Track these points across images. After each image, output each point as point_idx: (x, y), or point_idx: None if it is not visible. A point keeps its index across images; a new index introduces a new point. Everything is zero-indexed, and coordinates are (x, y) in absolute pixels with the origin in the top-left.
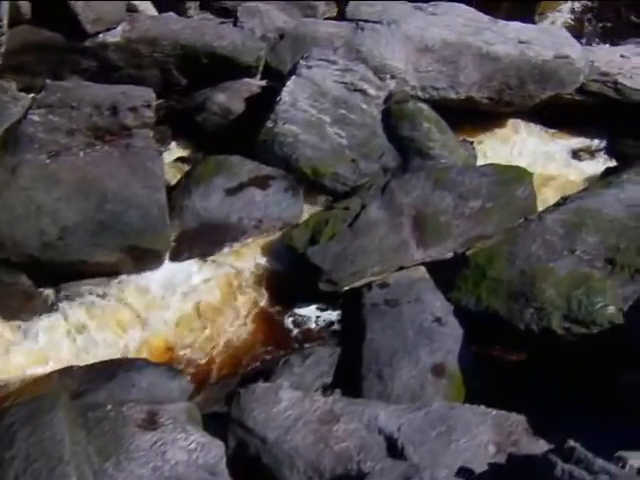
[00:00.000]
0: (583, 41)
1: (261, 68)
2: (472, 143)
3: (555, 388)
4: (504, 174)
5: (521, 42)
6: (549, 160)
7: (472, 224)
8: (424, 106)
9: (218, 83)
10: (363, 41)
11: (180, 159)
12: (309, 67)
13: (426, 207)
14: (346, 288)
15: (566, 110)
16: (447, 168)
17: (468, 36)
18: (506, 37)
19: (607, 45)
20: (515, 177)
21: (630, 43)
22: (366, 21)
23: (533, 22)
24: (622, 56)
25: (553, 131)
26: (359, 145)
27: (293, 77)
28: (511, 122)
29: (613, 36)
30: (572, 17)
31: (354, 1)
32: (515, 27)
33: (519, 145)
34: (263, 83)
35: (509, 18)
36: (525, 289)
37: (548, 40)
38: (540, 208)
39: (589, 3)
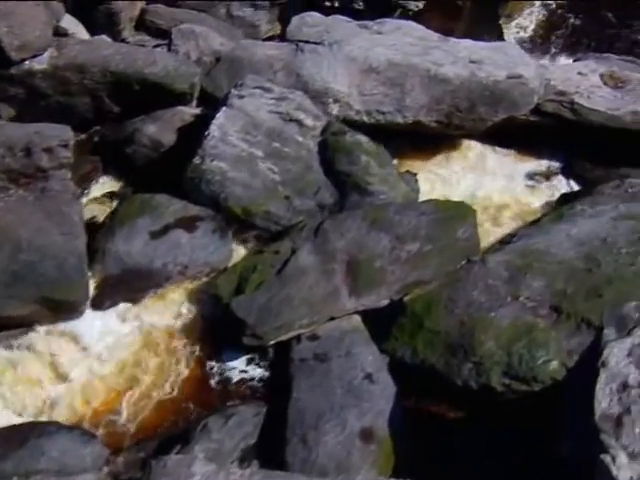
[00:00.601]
0: (549, 46)
1: (196, 94)
2: (415, 175)
3: (493, 452)
4: (445, 212)
5: (472, 62)
6: (503, 185)
7: (409, 269)
8: (363, 138)
9: (151, 111)
10: (303, 64)
11: (110, 194)
12: (241, 97)
13: (360, 251)
14: (272, 343)
15: (522, 131)
16: (385, 206)
17: (415, 56)
18: (456, 57)
19: (567, 58)
20: (456, 215)
21: (590, 58)
22: (307, 42)
23: (498, 29)
24: (580, 73)
25: (509, 152)
26: (293, 180)
27: (224, 108)
28: (464, 144)
29: (585, 37)
30: (541, 18)
31: (297, 20)
32: (466, 45)
33: (471, 169)
34: (197, 111)
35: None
36: (464, 341)
37: (501, 59)
38: (491, 239)
39: (558, 4)
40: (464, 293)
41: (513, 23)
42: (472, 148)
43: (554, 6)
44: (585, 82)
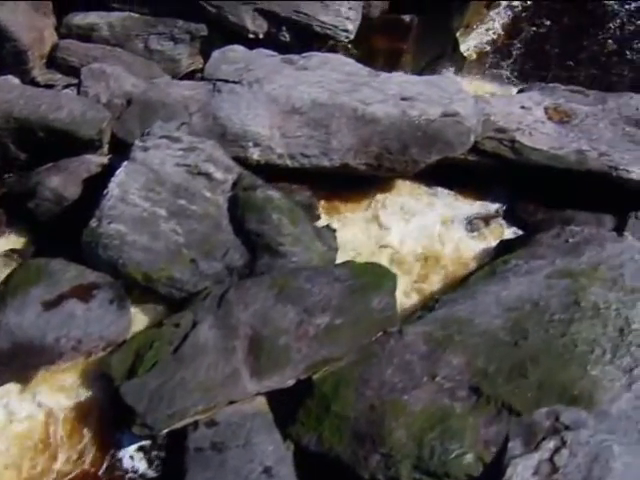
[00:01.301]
0: (505, 62)
1: (107, 140)
2: (334, 231)
3: None
4: (360, 278)
5: (404, 99)
6: (438, 232)
7: (317, 346)
8: (275, 194)
9: (57, 160)
10: (221, 105)
11: (12, 251)
12: (146, 149)
13: (265, 325)
14: (164, 432)
15: (461, 170)
16: (295, 273)
17: (342, 95)
18: (387, 94)
19: (512, 88)
20: (373, 282)
21: (535, 89)
22: (226, 81)
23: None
24: (523, 107)
25: (446, 193)
26: (200, 242)
27: (125, 163)
28: (398, 184)
29: (545, 43)
30: (500, 28)
31: (217, 55)
32: (398, 80)
33: (403, 214)
34: (105, 160)
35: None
36: (373, 429)
37: (435, 94)
38: (416, 299)
39: (519, 10)
40: (378, 371)
41: (472, 34)
42: (406, 189)
43: (514, 16)
44: (528, 117)
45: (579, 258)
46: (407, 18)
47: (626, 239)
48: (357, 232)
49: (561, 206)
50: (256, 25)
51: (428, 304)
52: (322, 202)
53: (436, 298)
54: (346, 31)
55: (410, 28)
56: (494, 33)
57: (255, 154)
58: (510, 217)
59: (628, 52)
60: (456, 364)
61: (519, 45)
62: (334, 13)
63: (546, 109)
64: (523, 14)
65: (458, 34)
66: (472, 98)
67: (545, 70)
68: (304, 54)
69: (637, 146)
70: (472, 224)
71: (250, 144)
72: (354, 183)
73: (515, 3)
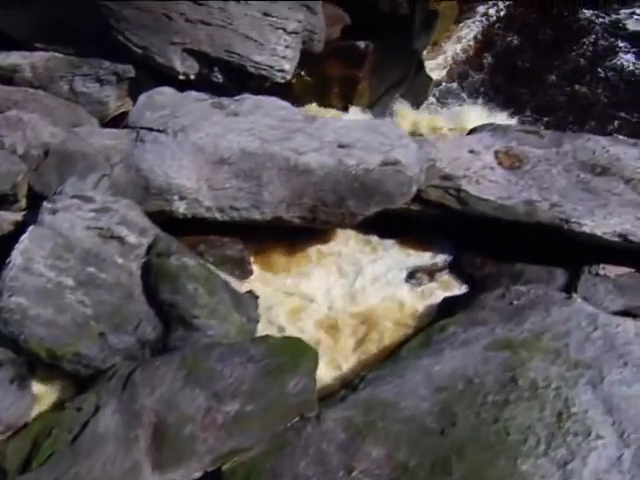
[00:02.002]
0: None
1: (23, 194)
2: (257, 298)
3: None
4: (277, 356)
5: (341, 146)
6: (377, 288)
7: (225, 436)
8: (190, 261)
9: None
10: (144, 156)
11: None
12: (54, 212)
13: (170, 412)
14: None
15: (404, 219)
16: (206, 351)
17: (274, 143)
18: (322, 141)
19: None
20: (290, 362)
21: (486, 129)
22: (150, 129)
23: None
24: (472, 152)
25: (389, 244)
26: (110, 314)
27: (31, 228)
28: (337, 234)
29: (515, 61)
30: (469, 44)
31: (143, 99)
32: (336, 126)
33: (339, 268)
34: (19, 217)
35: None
36: None
37: (375, 141)
38: (347, 370)
39: (489, 25)
40: (291, 463)
41: (440, 53)
42: (345, 239)
43: (485, 31)
44: (476, 162)
45: (522, 325)
46: (362, 45)
47: (574, 302)
48: (288, 289)
49: (510, 259)
50: (186, 66)
51: (353, 382)
52: (255, 255)
53: (362, 375)
54: (282, 71)
55: (365, 55)
56: (463, 51)
57: (181, 208)
58: (456, 270)
59: (601, 70)
60: (376, 456)
61: (488, 63)
62: (269, 52)
63: (496, 153)
64: (494, 28)
65: (425, 52)
66: (415, 144)
67: (513, 93)
68: (236, 97)
69: (591, 195)
70: (415, 278)
71: (175, 197)
72: (290, 233)
73: (486, 17)
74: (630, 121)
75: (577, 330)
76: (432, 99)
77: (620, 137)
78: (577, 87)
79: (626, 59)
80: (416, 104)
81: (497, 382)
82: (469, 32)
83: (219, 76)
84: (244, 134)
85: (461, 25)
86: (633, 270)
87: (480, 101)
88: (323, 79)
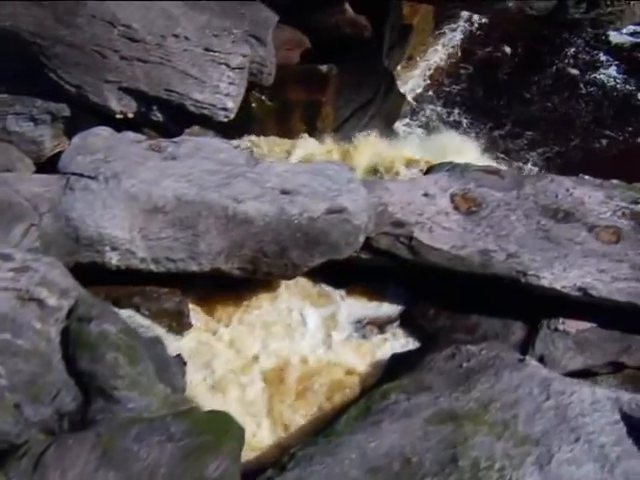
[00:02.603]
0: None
1: None
2: (185, 364)
3: None
4: (200, 435)
5: (284, 192)
6: (323, 340)
7: None
8: (111, 328)
9: None
10: (73, 205)
11: None
12: None
13: None
14: None
15: (354, 266)
16: (124, 428)
17: (212, 190)
18: (264, 187)
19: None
20: (212, 442)
21: (443, 169)
22: (80, 175)
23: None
24: (426, 195)
25: (337, 292)
26: (26, 384)
27: None
28: (282, 282)
29: (493, 77)
30: (446, 59)
31: (76, 141)
32: (279, 170)
33: (284, 318)
34: None
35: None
36: None
37: (322, 186)
38: (280, 440)
39: (468, 37)
40: None
41: (415, 68)
42: (293, 287)
43: (463, 44)
44: (431, 207)
45: (469, 392)
46: (324, 68)
47: (528, 365)
48: (228, 343)
49: (466, 310)
50: (122, 104)
51: (282, 460)
52: (196, 306)
53: (292, 452)
54: (225, 110)
55: (328, 78)
56: (439, 65)
57: (114, 259)
58: (408, 322)
59: (582, 85)
60: None
61: (465, 77)
62: (211, 90)
63: (453, 196)
64: (472, 41)
65: (399, 67)
66: (364, 189)
67: (491, 109)
68: (176, 139)
69: (551, 244)
70: (364, 330)
71: (107, 248)
72: (234, 282)
73: (463, 29)
74: (616, 139)
75: (528, 399)
76: (406, 119)
77: (586, 177)
78: (558, 102)
79: (608, 73)
80: (388, 124)
81: (436, 461)
82: (446, 45)
83: (159, 115)
84: (181, 180)
85: (438, 38)
86: (595, 325)
87: (454, 118)
88: (285, 104)
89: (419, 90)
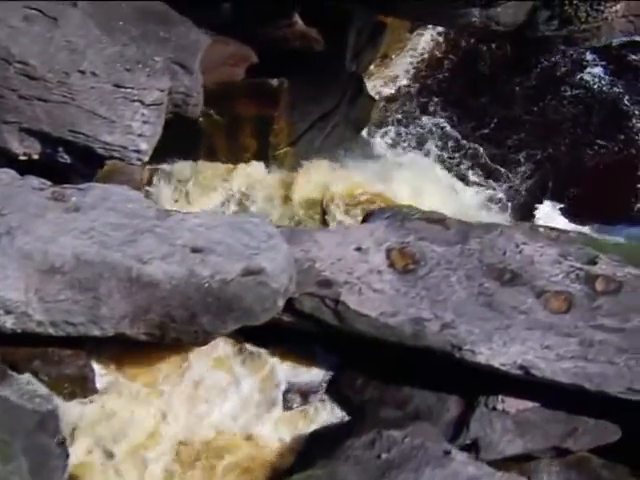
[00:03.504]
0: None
1: None
2: (68, 456)
3: None
4: None
5: (196, 250)
6: (240, 410)
7: None
8: None
9: None
10: None
11: None
12: None
13: None
14: None
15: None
16: None
17: (115, 249)
18: (174, 244)
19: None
20: None
21: (383, 216)
22: None
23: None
24: (359, 249)
25: (262, 353)
26: None
27: None
28: None
29: (472, 78)
30: (423, 57)
31: None
32: (193, 224)
33: (198, 387)
34: None
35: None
36: None
37: (238, 243)
38: None
39: (448, 33)
40: None
41: (389, 67)
42: (212, 348)
43: (443, 41)
44: (362, 265)
45: None
46: (275, 82)
47: (453, 460)
48: (135, 412)
49: (397, 381)
50: (25, 146)
51: None
52: (102, 368)
53: None
54: (138, 152)
55: (279, 92)
56: (416, 63)
57: (8, 323)
58: (334, 391)
59: (568, 86)
60: None
61: (444, 77)
62: (122, 131)
63: (389, 251)
64: (451, 38)
65: (373, 66)
66: (285, 245)
67: (469, 112)
68: (82, 185)
69: (492, 313)
70: (287, 399)
71: (1, 312)
72: (145, 345)
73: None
74: (603, 146)
75: None
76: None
77: (540, 228)
78: (541, 105)
79: (594, 73)
80: (357, 129)
81: None
82: (424, 43)
83: (66, 156)
84: (82, 237)
85: (416, 35)
86: (538, 404)
87: (427, 123)
88: (234, 118)
89: (391, 91)
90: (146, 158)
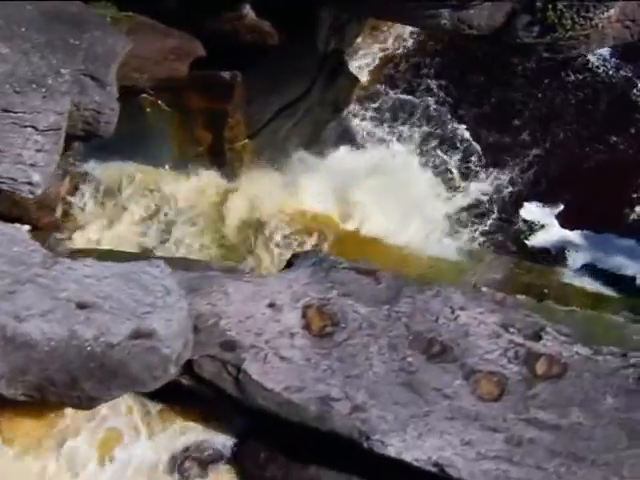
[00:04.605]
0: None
1: None
2: None
3: None
4: None
5: (81, 306)
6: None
7: None
8: None
9: None
10: None
11: None
12: None
13: None
14: None
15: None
16: None
17: None
18: (57, 298)
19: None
20: None
21: (307, 262)
22: None
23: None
24: (271, 305)
25: (165, 412)
26: None
27: None
28: None
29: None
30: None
31: None
32: (81, 274)
33: (95, 443)
34: None
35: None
36: None
37: (131, 298)
38: None
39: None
40: None
41: (379, 39)
42: (113, 404)
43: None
44: (273, 325)
45: None
46: (227, 75)
47: None
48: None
49: (304, 459)
50: None
51: None
52: None
53: None
54: (30, 184)
55: (232, 86)
56: (408, 35)
57: None
58: (235, 464)
59: (569, 70)
60: None
61: (435, 51)
62: (11, 160)
63: (305, 309)
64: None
65: (360, 39)
66: (184, 303)
67: (460, 93)
68: None
69: (411, 395)
70: (183, 467)
71: None
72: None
73: None
74: (606, 140)
75: None
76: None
77: (484, 289)
78: (542, 90)
79: (598, 55)
80: (336, 110)
81: None
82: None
83: None
84: None
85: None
86: None
87: (414, 104)
88: (185, 110)
89: (378, 64)
90: (39, 191)
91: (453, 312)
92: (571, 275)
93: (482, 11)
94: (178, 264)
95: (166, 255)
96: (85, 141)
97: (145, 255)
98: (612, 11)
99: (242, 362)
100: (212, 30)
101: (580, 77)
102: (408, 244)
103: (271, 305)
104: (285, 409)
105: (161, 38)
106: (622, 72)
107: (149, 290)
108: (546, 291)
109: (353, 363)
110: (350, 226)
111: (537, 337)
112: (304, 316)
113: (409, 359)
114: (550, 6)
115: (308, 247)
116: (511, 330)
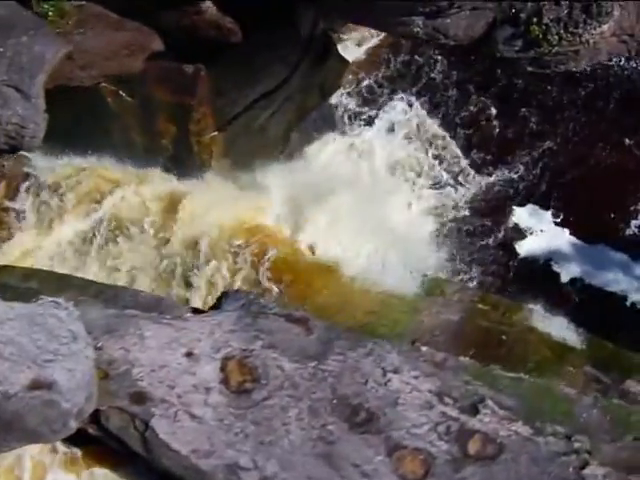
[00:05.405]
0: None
1: None
2: None
3: None
4: None
5: None
6: None
7: None
8: None
9: None
10: None
11: None
12: None
13: None
14: None
15: None
16: None
17: None
18: None
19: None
20: None
21: (236, 301)
22: None
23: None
24: (189, 354)
25: (76, 455)
26: None
27: None
28: None
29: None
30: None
31: None
32: None
33: None
34: None
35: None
36: None
37: (33, 343)
38: None
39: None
40: None
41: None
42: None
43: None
44: (188, 378)
45: None
46: (190, 69)
47: None
48: None
49: None
50: None
51: None
52: None
53: None
54: None
55: (195, 80)
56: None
57: None
58: None
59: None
60: None
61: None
62: None
63: (225, 362)
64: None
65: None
66: (90, 351)
67: (451, 96)
68: None
69: (327, 470)
70: None
71: None
72: None
73: None
74: (615, 140)
75: None
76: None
77: (423, 349)
78: (544, 85)
79: None
80: (324, 95)
81: None
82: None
83: None
84: None
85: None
86: None
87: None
88: (147, 102)
89: (374, 42)
90: None
91: (385, 375)
92: (540, 315)
93: (460, 20)
94: (100, 294)
95: (96, 280)
96: (11, 153)
97: (72, 277)
98: (606, 26)
99: (150, 417)
100: (168, 25)
101: (586, 68)
102: (362, 272)
103: (188, 354)
104: (191, 474)
105: (112, 31)
106: (631, 63)
107: (54, 335)
108: (504, 338)
109: (269, 427)
110: (302, 246)
111: (474, 410)
112: (223, 369)
113: (330, 427)
114: (535, 19)
115: (246, 273)
116: (446, 400)
